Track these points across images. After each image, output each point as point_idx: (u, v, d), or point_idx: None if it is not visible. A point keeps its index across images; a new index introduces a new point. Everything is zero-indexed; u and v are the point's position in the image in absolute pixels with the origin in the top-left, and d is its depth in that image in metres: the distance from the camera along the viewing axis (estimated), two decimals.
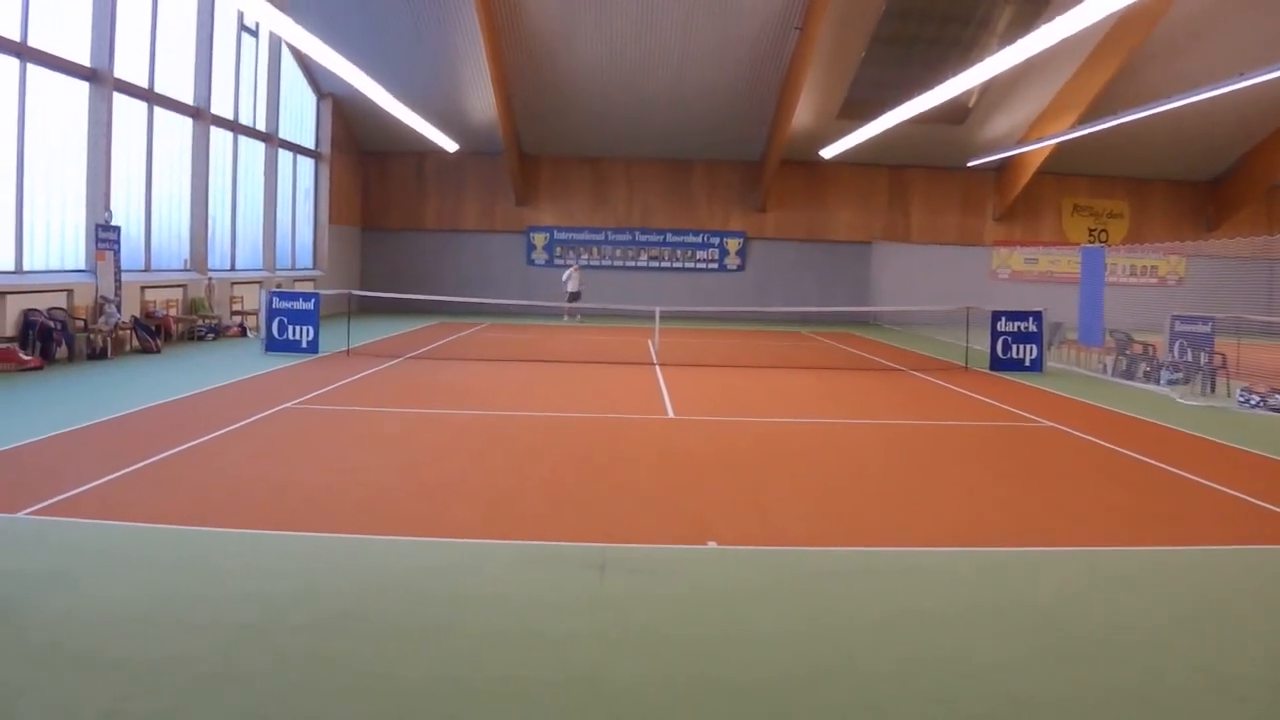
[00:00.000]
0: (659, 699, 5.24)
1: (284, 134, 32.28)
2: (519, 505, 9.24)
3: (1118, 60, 30.45)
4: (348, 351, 21.87)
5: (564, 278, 36.25)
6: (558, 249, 40.00)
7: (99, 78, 21.08)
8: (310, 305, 21.70)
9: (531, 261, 40.04)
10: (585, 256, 39.71)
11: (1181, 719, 5.17)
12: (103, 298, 20.63)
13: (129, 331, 21.28)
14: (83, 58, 20.77)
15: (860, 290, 39.03)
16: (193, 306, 25.40)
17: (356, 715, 4.97)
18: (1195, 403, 17.50)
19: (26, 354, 17.73)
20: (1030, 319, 22.12)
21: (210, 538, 7.81)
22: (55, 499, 8.47)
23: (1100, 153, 36.69)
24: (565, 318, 36.35)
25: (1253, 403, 16.76)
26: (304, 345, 21.39)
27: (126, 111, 22.61)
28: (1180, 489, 10.64)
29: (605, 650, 5.85)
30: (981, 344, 22.74)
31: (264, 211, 31.25)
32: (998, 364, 21.87)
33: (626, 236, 40.17)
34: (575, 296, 35.45)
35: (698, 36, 30.82)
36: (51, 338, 18.59)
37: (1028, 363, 21.90)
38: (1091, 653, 5.96)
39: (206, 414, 13.55)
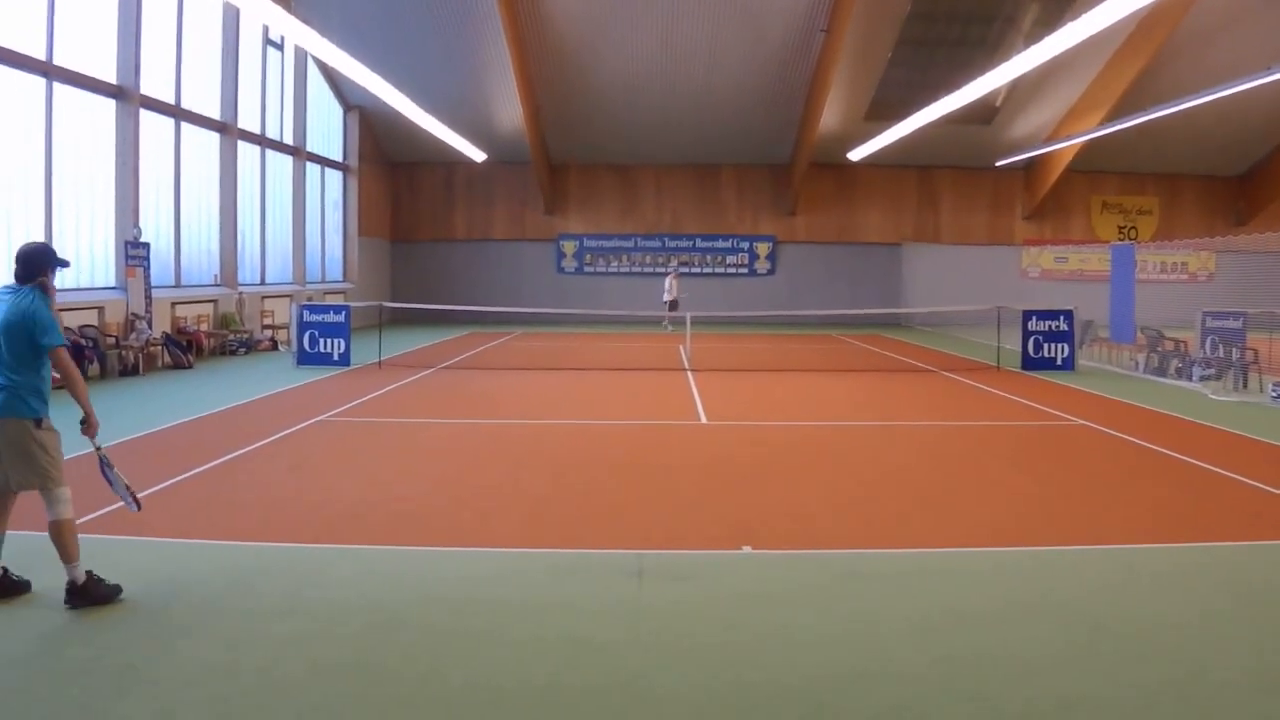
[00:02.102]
0: (699, 704, 5.24)
1: (311, 147, 32.47)
2: (555, 513, 9.27)
3: (1145, 56, 30.27)
4: (379, 363, 21.91)
5: (666, 286, 35.51)
6: (587, 256, 40.03)
7: (125, 95, 21.24)
8: (341, 318, 21.76)
9: (562, 269, 40.09)
10: (681, 265, 39.18)
11: (1224, 716, 5.13)
12: (133, 314, 20.76)
13: (160, 347, 21.42)
14: (109, 75, 20.94)
15: (891, 292, 38.87)
16: (224, 321, 25.53)
17: None
18: (1227, 398, 17.37)
19: (57, 372, 17.79)
20: (1061, 317, 22.01)
21: (248, 551, 7.85)
22: (90, 516, 8.49)
23: (1128, 149, 36.49)
24: (668, 326, 35.30)
25: None
26: (335, 358, 21.44)
27: (153, 128, 22.80)
28: (1215, 485, 10.56)
29: (645, 656, 5.86)
30: (1013, 343, 22.63)
31: (293, 225, 31.45)
32: (1029, 363, 21.76)
33: (656, 243, 40.15)
34: (674, 305, 34.65)
35: (724, 41, 30.81)
36: (83, 355, 18.65)
37: (1059, 361, 21.77)
38: (1131, 650, 5.92)
39: (240, 428, 13.62)
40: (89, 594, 6.53)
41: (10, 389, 6.55)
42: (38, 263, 6.80)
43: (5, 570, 6.71)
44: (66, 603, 6.50)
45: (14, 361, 6.57)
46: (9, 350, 6.56)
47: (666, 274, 36.52)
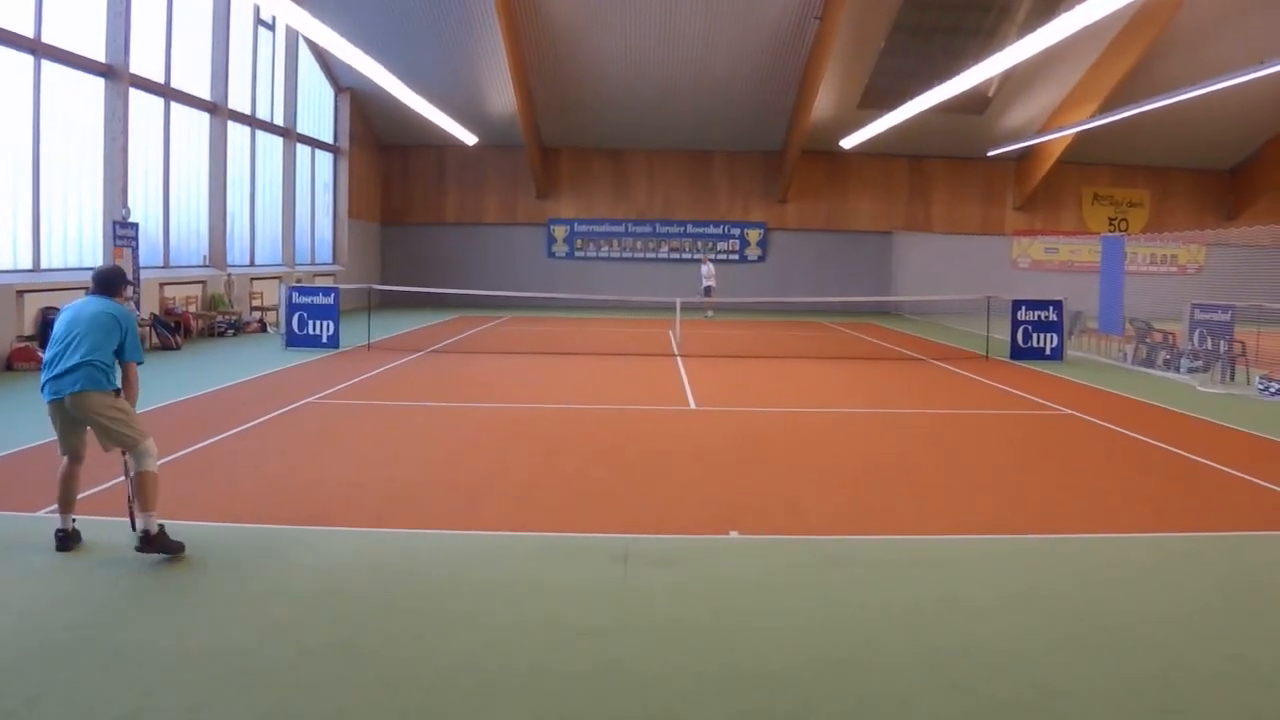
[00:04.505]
0: (684, 689, 5.24)
1: (302, 128, 32.31)
2: (543, 496, 9.26)
3: (1138, 49, 30.27)
4: (368, 346, 21.88)
5: (703, 273, 35.67)
6: (578, 241, 40.00)
7: (114, 74, 21.08)
8: (330, 300, 21.73)
9: (552, 254, 40.04)
10: (715, 252, 39.56)
11: (1209, 706, 5.14)
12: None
13: (148, 328, 21.30)
14: (98, 54, 20.76)
15: (881, 280, 38.86)
16: (212, 302, 25.44)
17: (383, 707, 4.99)
18: (1215, 390, 17.41)
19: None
20: (1050, 308, 22.04)
21: (234, 533, 7.84)
22: (80, 495, 8.46)
23: (1120, 142, 36.48)
24: (709, 313, 35.63)
25: (1273, 390, 16.66)
26: (324, 340, 21.42)
27: (143, 107, 22.63)
28: (1202, 476, 10.59)
29: (630, 640, 5.86)
30: (1002, 333, 22.63)
31: (283, 206, 31.31)
32: (1018, 353, 21.79)
33: (647, 228, 40.12)
34: (710, 291, 34.93)
35: (718, 27, 30.72)
36: None
37: (1048, 351, 21.80)
38: (1117, 640, 5.93)
39: (228, 410, 13.58)
40: (159, 544, 7.05)
41: (93, 365, 7.16)
42: (117, 283, 7.74)
43: (74, 521, 7.41)
44: (137, 547, 7.01)
45: (98, 349, 7.20)
46: (98, 338, 7.21)
47: (700, 260, 36.67)
